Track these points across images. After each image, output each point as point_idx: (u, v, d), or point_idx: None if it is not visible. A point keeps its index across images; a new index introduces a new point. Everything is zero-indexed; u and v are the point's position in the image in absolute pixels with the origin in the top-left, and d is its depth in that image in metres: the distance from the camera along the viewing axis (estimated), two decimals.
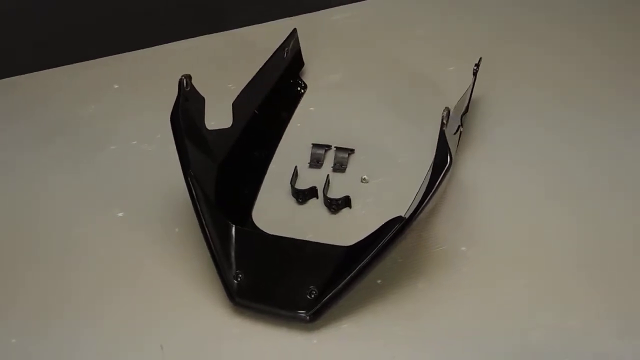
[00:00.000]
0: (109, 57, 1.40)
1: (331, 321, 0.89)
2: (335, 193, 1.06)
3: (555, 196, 1.03)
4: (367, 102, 1.25)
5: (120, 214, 1.06)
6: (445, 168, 0.84)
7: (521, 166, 1.09)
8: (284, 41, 1.26)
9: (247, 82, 1.13)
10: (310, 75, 1.32)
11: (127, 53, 1.41)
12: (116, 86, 1.33)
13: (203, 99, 1.00)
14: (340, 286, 0.86)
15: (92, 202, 1.08)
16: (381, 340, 0.87)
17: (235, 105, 1.09)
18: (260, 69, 1.17)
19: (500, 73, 1.28)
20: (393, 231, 0.84)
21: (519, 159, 1.10)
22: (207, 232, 0.90)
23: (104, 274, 0.97)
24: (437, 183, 0.84)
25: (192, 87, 0.97)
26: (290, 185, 1.06)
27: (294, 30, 1.30)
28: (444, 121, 0.84)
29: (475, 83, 1.16)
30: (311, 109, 1.25)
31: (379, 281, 0.93)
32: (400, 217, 0.85)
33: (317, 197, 1.06)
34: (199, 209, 0.91)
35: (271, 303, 0.88)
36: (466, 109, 1.07)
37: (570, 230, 0.98)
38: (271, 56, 1.21)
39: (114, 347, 0.88)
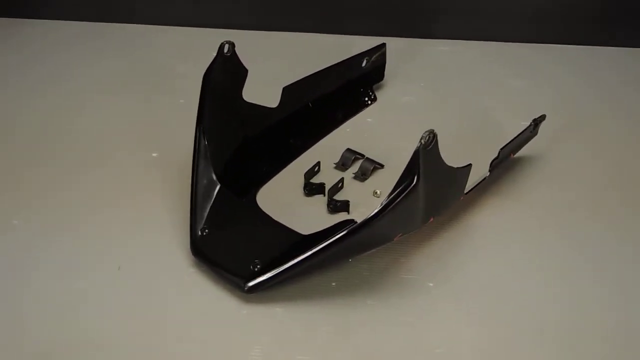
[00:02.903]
0: (224, 29, 1.52)
1: (269, 301, 0.90)
2: (342, 196, 1.07)
3: (547, 280, 0.96)
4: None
5: (155, 154, 1.16)
6: (410, 187, 0.82)
7: (532, 236, 1.02)
8: (368, 50, 1.29)
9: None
10: (385, 90, 1.34)
11: (240, 30, 1.52)
12: (214, 54, 1.44)
13: (245, 70, 1.07)
14: (280, 269, 0.88)
15: (137, 136, 1.20)
16: (301, 334, 0.87)
17: (286, 90, 1.14)
18: (329, 67, 1.22)
19: (575, 139, 1.21)
20: (339, 232, 0.84)
21: (535, 228, 1.03)
22: (194, 183, 0.97)
23: (106, 191, 1.08)
24: (397, 200, 0.83)
25: (235, 55, 1.04)
26: (304, 176, 1.09)
27: (383, 44, 1.32)
28: (422, 141, 0.83)
29: (534, 138, 1.13)
30: (368, 120, 1.27)
31: (333, 284, 0.93)
32: (351, 220, 0.85)
33: (324, 195, 1.07)
34: (195, 160, 0.98)
35: (220, 263, 0.92)
36: (498, 154, 1.03)
37: (542, 318, 0.90)
38: (347, 59, 1.25)
39: (80, 251, 0.98)
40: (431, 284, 0.94)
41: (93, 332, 0.88)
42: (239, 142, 1.08)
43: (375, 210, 0.83)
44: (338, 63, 1.24)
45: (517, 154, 1.13)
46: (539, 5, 1.46)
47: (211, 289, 0.92)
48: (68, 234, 1.00)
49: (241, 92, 1.08)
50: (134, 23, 1.53)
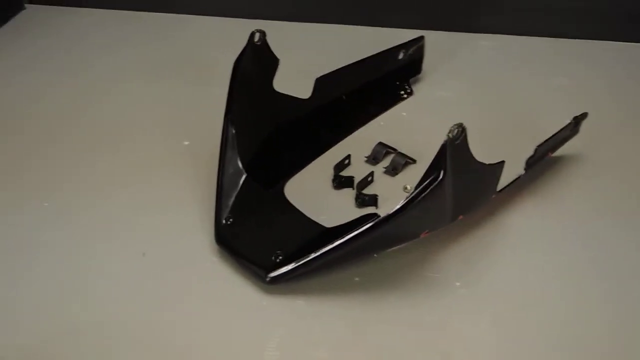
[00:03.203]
0: (264, 20, 1.50)
1: (290, 293, 0.89)
2: (371, 191, 1.05)
3: (581, 288, 0.91)
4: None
5: (186, 143, 1.16)
6: (437, 182, 0.80)
7: (567, 240, 0.98)
8: (405, 43, 1.27)
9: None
10: (422, 84, 1.31)
11: (279, 21, 1.51)
12: None
13: (277, 59, 1.05)
14: (302, 261, 0.86)
15: (170, 124, 1.20)
16: (319, 327, 0.85)
17: (319, 81, 1.13)
18: (365, 59, 1.20)
19: (619, 140, 1.16)
20: (361, 226, 0.82)
21: (572, 233, 0.99)
22: (220, 172, 0.97)
23: (135, 176, 1.09)
24: (422, 195, 0.80)
25: (266, 44, 1.03)
26: (333, 169, 1.08)
27: (421, 37, 1.30)
28: (450, 135, 0.80)
29: (575, 137, 1.09)
30: (403, 114, 1.24)
31: (356, 279, 0.91)
32: (374, 213, 0.83)
33: (353, 188, 1.05)
34: (223, 149, 0.97)
35: (242, 253, 0.91)
36: (534, 152, 0.99)
37: (572, 328, 0.86)
38: (383, 51, 1.23)
39: (106, 235, 0.98)
40: (458, 284, 0.91)
41: (113, 314, 0.88)
42: (269, 133, 1.07)
43: (399, 205, 0.81)
44: (374, 55, 1.22)
45: (557, 153, 1.09)
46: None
47: (233, 279, 0.92)
48: (94, 218, 1.01)
49: (272, 82, 1.06)
50: (176, 13, 1.55)
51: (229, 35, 1.46)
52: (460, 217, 0.92)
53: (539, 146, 0.99)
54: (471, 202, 0.92)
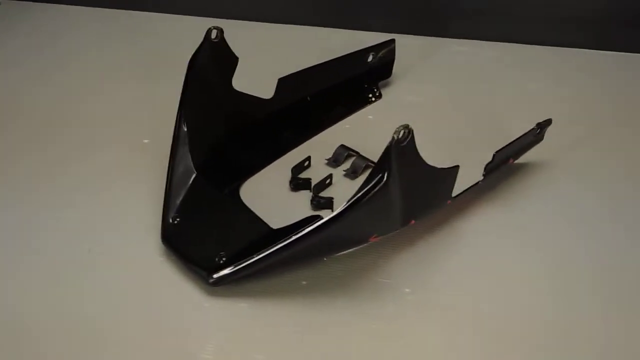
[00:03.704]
0: (235, 20, 1.49)
1: (234, 296, 0.87)
2: (329, 193, 1.03)
3: (533, 296, 0.89)
4: (427, 132, 1.14)
5: (146, 141, 1.14)
6: (380, 185, 0.78)
7: (524, 247, 0.96)
8: (375, 45, 1.25)
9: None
10: (392, 88, 1.29)
11: (251, 22, 1.49)
12: None
13: (236, 58, 1.04)
14: (244, 263, 0.84)
15: (132, 122, 1.18)
16: (261, 331, 0.83)
17: (282, 82, 1.11)
18: (331, 60, 1.18)
19: (586, 149, 1.14)
20: (305, 228, 0.80)
21: (526, 240, 0.97)
22: (170, 171, 0.95)
23: (90, 174, 1.07)
24: (365, 198, 0.78)
25: (224, 42, 1.01)
26: (291, 171, 1.06)
27: (392, 40, 1.28)
28: (395, 136, 0.78)
29: (541, 145, 1.07)
30: (369, 117, 1.23)
31: (304, 282, 0.90)
32: (318, 215, 0.81)
33: (310, 190, 1.03)
34: (174, 147, 0.95)
35: (186, 253, 0.89)
36: (492, 158, 0.97)
37: (523, 337, 0.84)
38: (351, 53, 1.21)
39: (55, 232, 0.97)
40: (407, 290, 0.89)
41: (53, 310, 0.86)
42: (226, 132, 1.05)
43: (342, 207, 0.79)
44: (341, 57, 1.20)
45: (522, 160, 1.07)
46: (558, 7, 1.39)
47: (177, 279, 0.90)
48: (46, 214, 1.00)
49: (230, 80, 1.04)
50: (143, 10, 1.54)
51: (196, 35, 1.43)
52: (412, 222, 0.90)
53: (497, 152, 0.97)
54: (423, 207, 0.90)
